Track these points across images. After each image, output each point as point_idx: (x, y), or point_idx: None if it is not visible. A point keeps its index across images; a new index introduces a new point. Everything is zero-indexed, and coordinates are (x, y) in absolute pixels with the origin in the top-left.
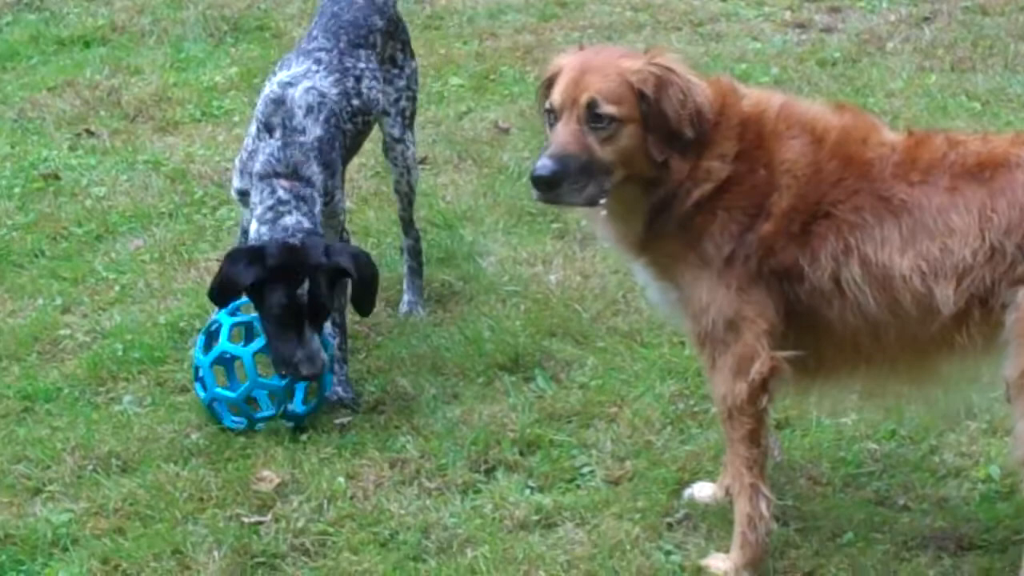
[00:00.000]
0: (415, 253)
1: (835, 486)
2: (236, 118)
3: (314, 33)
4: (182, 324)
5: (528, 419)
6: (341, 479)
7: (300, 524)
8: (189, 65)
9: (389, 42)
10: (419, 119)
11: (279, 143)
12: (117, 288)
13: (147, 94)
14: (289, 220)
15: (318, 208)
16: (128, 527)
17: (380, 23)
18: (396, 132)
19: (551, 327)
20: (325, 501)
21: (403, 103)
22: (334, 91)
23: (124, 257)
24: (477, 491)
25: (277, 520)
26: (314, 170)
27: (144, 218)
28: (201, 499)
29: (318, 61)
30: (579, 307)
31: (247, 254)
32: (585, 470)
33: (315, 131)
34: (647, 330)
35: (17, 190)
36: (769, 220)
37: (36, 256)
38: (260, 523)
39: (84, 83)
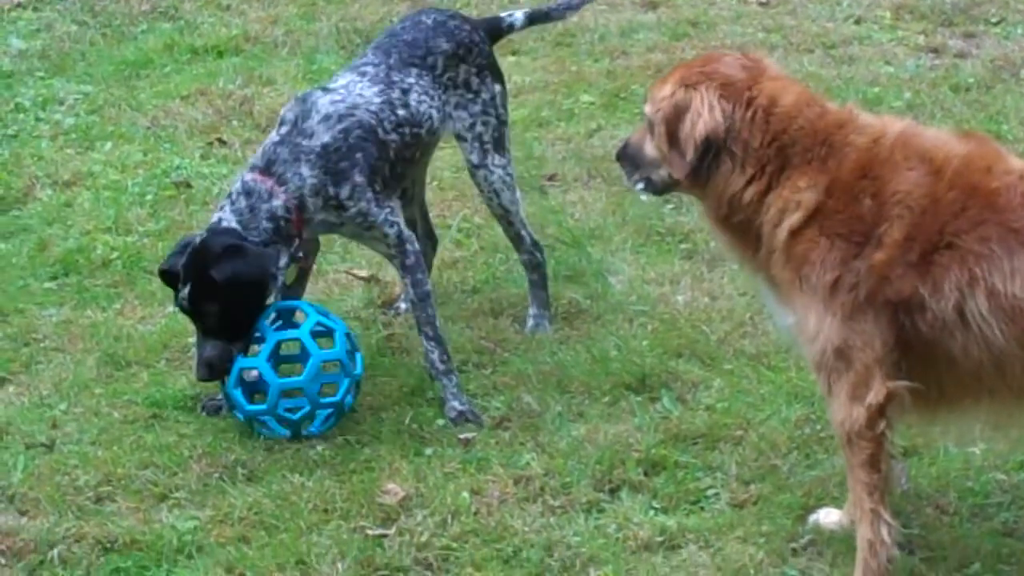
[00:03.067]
0: (533, 266)
1: (962, 516)
2: None
3: (367, 51)
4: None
5: (653, 440)
6: (465, 494)
7: (424, 538)
8: (321, 76)
9: (461, 66)
10: (549, 136)
11: (277, 139)
12: None
13: (279, 104)
14: (214, 216)
15: (271, 205)
16: (253, 536)
17: (445, 46)
18: (475, 158)
19: (678, 348)
20: (449, 516)
21: (479, 128)
22: (377, 100)
23: None
24: (601, 510)
25: (401, 533)
26: (299, 172)
27: None
28: (326, 510)
29: (363, 74)
30: (706, 328)
31: (184, 243)
32: (710, 492)
33: (323, 137)
34: (774, 353)
35: (149, 197)
36: (881, 249)
37: None
38: (384, 536)
39: (217, 92)
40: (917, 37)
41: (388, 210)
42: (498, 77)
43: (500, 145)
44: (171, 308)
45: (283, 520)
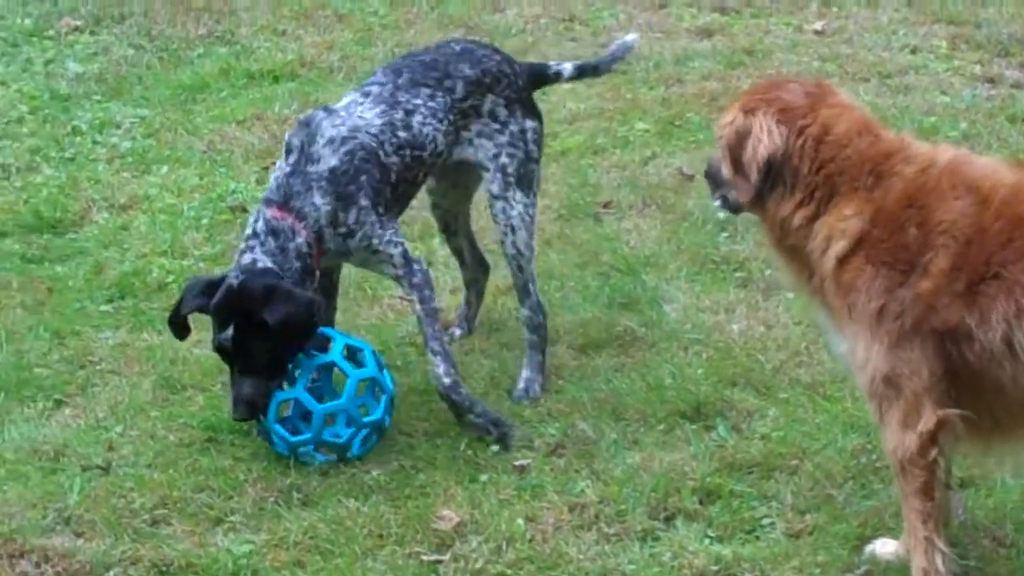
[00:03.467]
0: (533, 327)
1: (1019, 548)
2: None
3: (377, 71)
4: None
5: (708, 468)
6: (520, 521)
7: (478, 565)
8: None
9: (488, 95)
10: (604, 163)
11: (288, 169)
12: None
13: None
14: (247, 257)
15: (296, 243)
16: (308, 560)
17: (468, 71)
18: (495, 189)
19: (733, 376)
20: (504, 542)
21: (503, 159)
22: (378, 121)
23: None
24: (656, 539)
25: (456, 560)
26: (313, 202)
27: None
28: (380, 536)
29: (367, 94)
30: (761, 357)
31: (204, 284)
32: (765, 522)
33: (330, 161)
34: (830, 383)
35: (205, 221)
36: (927, 278)
37: None
38: (439, 562)
39: (272, 117)
40: (973, 67)
41: (392, 231)
42: (532, 113)
43: (525, 182)
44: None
45: (338, 545)
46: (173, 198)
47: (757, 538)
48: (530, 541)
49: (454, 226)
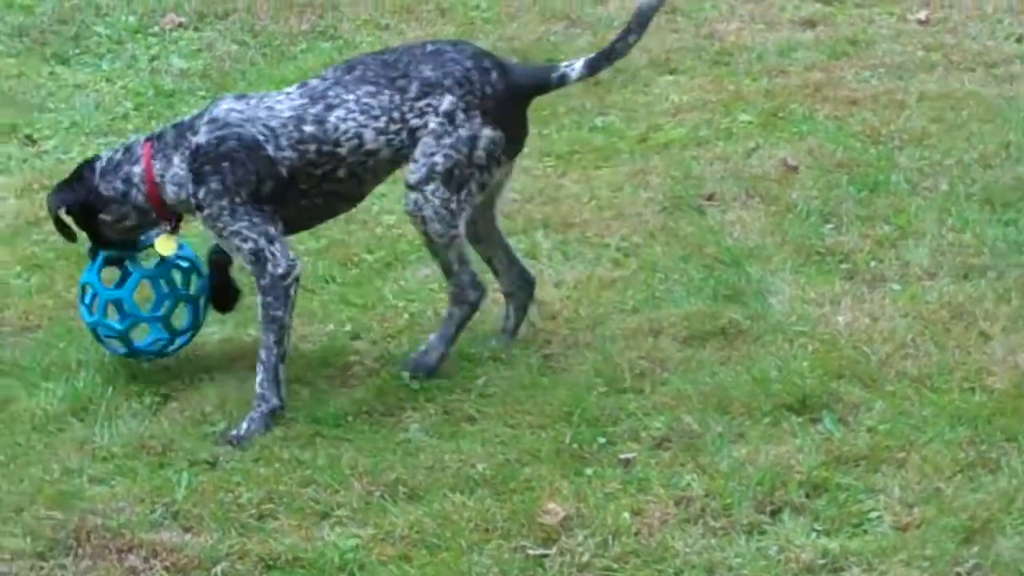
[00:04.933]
0: (457, 301)
1: None
2: (525, 149)
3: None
4: (471, 351)
5: (815, 461)
6: (626, 515)
7: (585, 559)
8: None
9: (446, 96)
10: (707, 155)
11: (180, 120)
12: (406, 316)
13: None
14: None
15: (132, 168)
16: (414, 555)
17: (428, 72)
18: (412, 178)
19: (839, 369)
20: (610, 536)
21: (437, 157)
22: (286, 114)
23: (413, 285)
24: (763, 532)
25: (562, 554)
26: (172, 158)
27: None
28: (486, 529)
29: (303, 85)
30: (867, 349)
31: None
32: (872, 515)
33: (201, 138)
34: (937, 375)
35: None
36: None
37: (327, 282)
38: (545, 556)
39: None
40: None
41: (246, 223)
42: (495, 123)
43: (455, 182)
44: (331, 326)
45: (444, 539)
46: None
47: (864, 532)
48: (636, 535)
49: (478, 233)
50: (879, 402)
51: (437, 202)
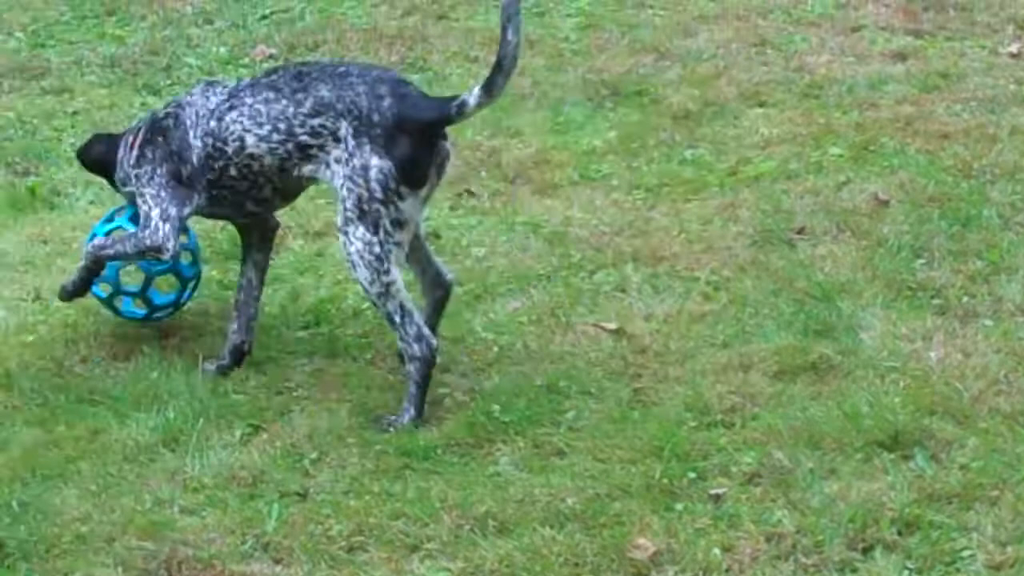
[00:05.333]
0: (409, 357)
1: None
2: (615, 182)
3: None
4: (561, 384)
5: (907, 499)
6: (717, 551)
7: None
8: (568, 128)
9: (341, 120)
10: (797, 188)
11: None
12: (495, 349)
13: (527, 156)
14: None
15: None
16: None
17: (324, 92)
18: (339, 220)
19: (931, 405)
20: (700, 573)
21: (343, 192)
22: (210, 106)
23: (502, 318)
24: (854, 570)
25: None
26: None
27: (522, 280)
28: (576, 564)
29: (224, 87)
30: (960, 385)
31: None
32: (965, 554)
33: (159, 111)
34: None
35: None
36: None
37: None
38: None
39: (465, 144)
40: None
41: (153, 192)
42: (382, 153)
43: (368, 220)
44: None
45: (534, 573)
46: None
47: (957, 570)
48: (726, 571)
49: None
50: (972, 439)
51: (360, 244)
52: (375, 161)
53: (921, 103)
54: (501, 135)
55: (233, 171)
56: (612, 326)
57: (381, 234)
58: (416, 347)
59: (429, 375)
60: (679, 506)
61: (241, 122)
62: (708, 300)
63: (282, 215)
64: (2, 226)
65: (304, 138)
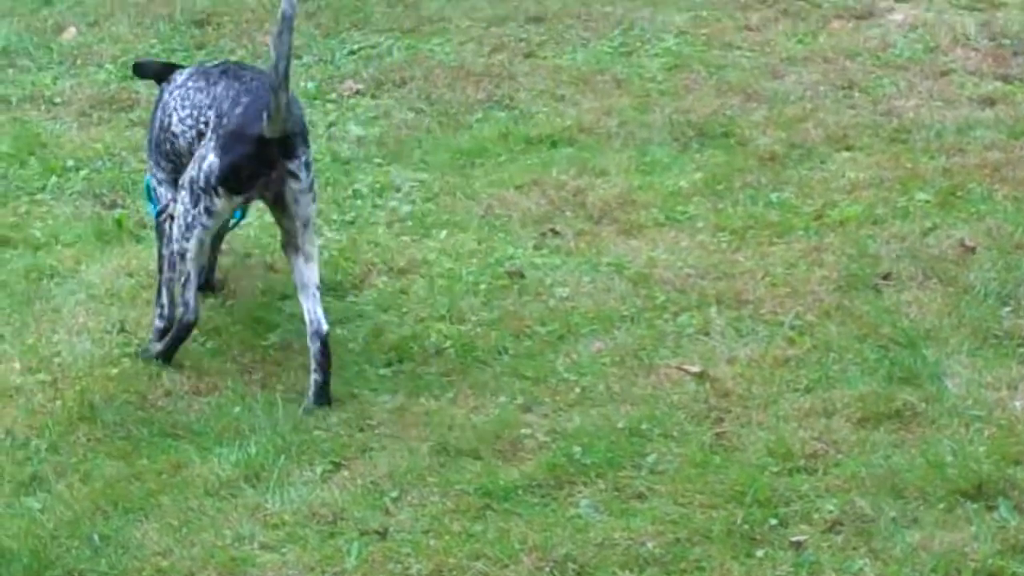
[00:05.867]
0: (163, 320)
1: None
2: (700, 224)
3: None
4: (643, 427)
5: (990, 549)
6: None
7: None
8: (654, 169)
9: (211, 115)
10: (883, 233)
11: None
12: (577, 390)
13: (612, 196)
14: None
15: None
16: None
17: (219, 90)
18: (182, 178)
19: (1016, 455)
20: None
21: (190, 166)
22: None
23: (585, 359)
24: None
25: None
26: None
27: (605, 320)
28: None
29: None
30: None
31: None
32: None
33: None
34: None
35: (483, 286)
36: None
37: (499, 353)
38: None
39: (550, 182)
40: None
41: (152, 163)
42: (218, 153)
43: (193, 193)
44: (503, 398)
45: None
46: (451, 263)
47: None
48: None
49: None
50: None
51: (182, 208)
52: (210, 157)
53: (1009, 149)
54: (587, 174)
55: (167, 146)
56: (695, 369)
57: (197, 210)
58: (184, 311)
59: (184, 339)
60: (760, 552)
61: (177, 108)
62: (792, 344)
63: (367, 252)
64: (88, 257)
65: (201, 127)
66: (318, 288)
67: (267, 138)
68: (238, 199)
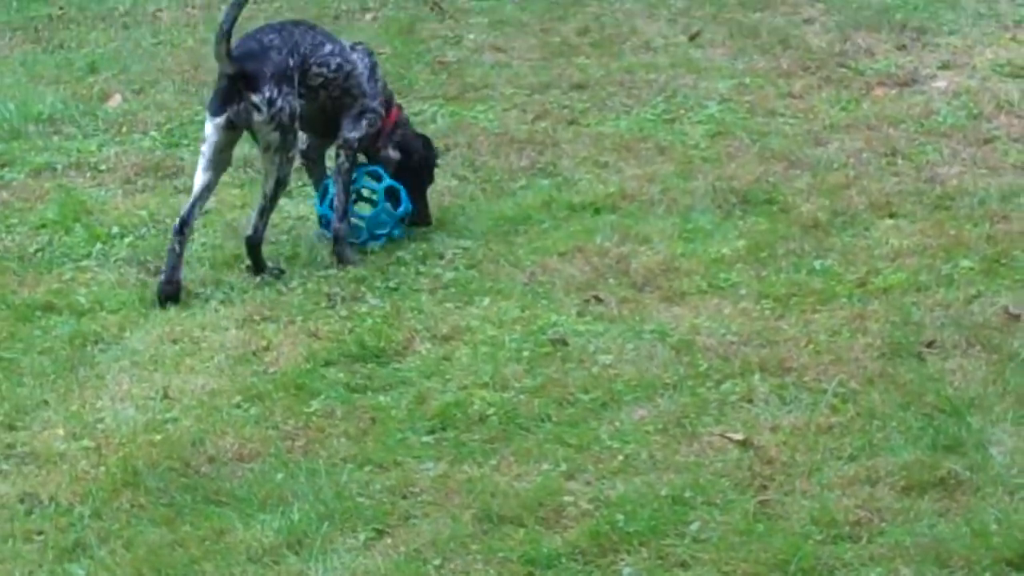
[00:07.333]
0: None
1: None
2: (743, 291)
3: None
4: (686, 495)
5: None
6: None
7: None
8: (697, 236)
9: None
10: (927, 301)
11: None
12: (620, 457)
13: (655, 263)
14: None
15: None
16: None
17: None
18: None
19: None
20: None
21: None
22: None
23: (628, 427)
24: None
25: None
26: None
27: (648, 388)
28: None
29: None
30: None
31: None
32: None
33: None
34: None
35: (526, 354)
36: None
37: (542, 421)
38: None
39: (593, 249)
40: None
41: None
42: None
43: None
44: (546, 465)
45: None
46: (494, 329)
47: None
48: None
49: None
50: None
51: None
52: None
53: None
54: (630, 241)
55: None
56: (738, 437)
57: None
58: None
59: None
60: None
61: None
62: (836, 412)
63: (410, 319)
64: (133, 324)
65: None
66: (264, 198)
67: (230, 74)
68: (218, 120)
